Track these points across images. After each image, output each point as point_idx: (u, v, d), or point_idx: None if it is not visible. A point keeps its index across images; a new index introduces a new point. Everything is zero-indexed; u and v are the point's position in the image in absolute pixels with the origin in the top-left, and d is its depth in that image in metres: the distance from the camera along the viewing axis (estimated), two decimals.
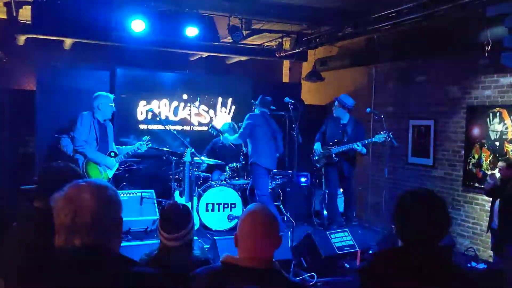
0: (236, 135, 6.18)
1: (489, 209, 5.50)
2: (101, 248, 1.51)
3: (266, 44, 8.09)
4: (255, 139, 5.94)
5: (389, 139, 5.80)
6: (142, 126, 7.35)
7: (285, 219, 6.38)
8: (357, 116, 6.61)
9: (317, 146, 6.29)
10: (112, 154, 5.54)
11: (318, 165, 6.31)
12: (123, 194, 5.47)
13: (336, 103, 6.22)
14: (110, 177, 5.55)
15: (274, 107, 6.40)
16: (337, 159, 6.03)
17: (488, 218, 5.54)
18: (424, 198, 1.95)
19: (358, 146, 5.86)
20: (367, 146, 6.05)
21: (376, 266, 1.92)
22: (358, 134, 6.15)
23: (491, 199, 5.49)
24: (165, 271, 2.33)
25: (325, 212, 6.62)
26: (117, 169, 5.66)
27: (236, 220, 5.63)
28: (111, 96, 5.76)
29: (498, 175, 5.45)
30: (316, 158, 6.26)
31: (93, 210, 1.51)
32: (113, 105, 5.72)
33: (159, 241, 2.54)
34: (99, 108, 5.55)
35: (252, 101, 6.46)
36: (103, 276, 1.47)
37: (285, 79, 9.86)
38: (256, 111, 6.23)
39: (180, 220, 2.50)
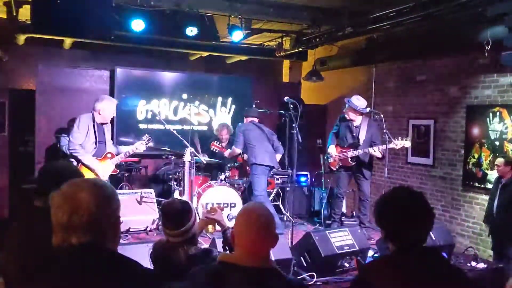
0: (232, 147, 6.19)
1: None
2: (98, 247, 1.50)
3: (266, 43, 8.09)
4: (250, 143, 5.96)
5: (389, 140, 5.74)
6: (142, 126, 7.36)
7: (285, 218, 6.38)
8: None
9: (332, 149, 6.05)
10: (109, 155, 5.46)
11: (334, 168, 6.12)
12: (123, 194, 5.46)
13: (346, 105, 6.03)
14: (106, 179, 5.46)
15: (268, 110, 6.40)
16: (354, 162, 5.89)
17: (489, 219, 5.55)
18: (404, 197, 1.93)
19: (374, 151, 5.71)
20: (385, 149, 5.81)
21: (373, 276, 1.87)
22: (373, 136, 5.93)
23: (492, 199, 5.49)
24: (168, 266, 2.34)
25: (326, 212, 6.60)
26: (114, 171, 5.56)
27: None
28: (115, 101, 5.65)
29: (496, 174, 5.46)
30: (332, 160, 6.08)
31: (90, 209, 1.49)
32: (115, 111, 5.61)
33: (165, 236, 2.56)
34: (100, 113, 5.41)
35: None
36: (100, 276, 1.45)
37: (285, 78, 9.87)
38: (244, 122, 6.29)
39: (179, 217, 2.51)
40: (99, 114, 5.35)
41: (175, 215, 2.52)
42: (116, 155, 5.50)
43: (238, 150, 6.06)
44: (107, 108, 5.39)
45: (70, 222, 1.47)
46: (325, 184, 6.96)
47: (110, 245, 1.56)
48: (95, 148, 5.35)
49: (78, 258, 1.47)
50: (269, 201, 6.09)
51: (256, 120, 6.19)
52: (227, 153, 6.27)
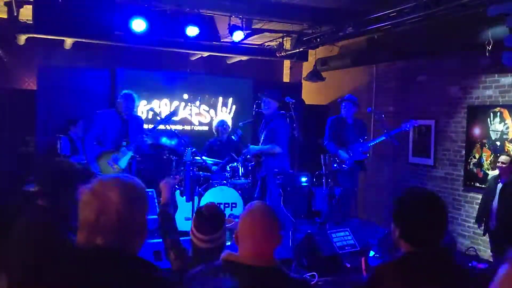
0: (268, 146, 5.62)
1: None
2: (123, 250, 1.42)
3: (266, 43, 8.08)
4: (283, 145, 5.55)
5: (390, 139, 5.75)
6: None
7: (286, 218, 6.36)
8: (358, 116, 6.60)
9: (343, 153, 5.96)
10: (124, 143, 5.41)
11: (345, 166, 6.05)
12: None
13: (346, 103, 6.05)
14: (122, 168, 5.39)
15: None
16: (366, 155, 6.00)
17: (484, 219, 5.54)
18: (426, 198, 1.93)
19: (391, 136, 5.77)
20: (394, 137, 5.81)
21: (385, 278, 1.87)
22: (364, 129, 6.19)
23: (490, 199, 5.49)
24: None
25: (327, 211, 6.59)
26: (132, 157, 5.49)
27: (237, 220, 5.57)
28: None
29: (496, 172, 5.44)
30: (347, 164, 6.01)
31: (119, 210, 1.42)
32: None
33: (190, 240, 2.47)
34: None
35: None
36: (122, 279, 1.39)
37: (286, 79, 9.86)
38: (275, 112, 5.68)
39: (217, 222, 2.47)
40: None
41: (214, 219, 2.47)
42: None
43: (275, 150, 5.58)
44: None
45: (97, 221, 1.40)
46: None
47: (134, 248, 1.48)
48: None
49: (101, 259, 1.40)
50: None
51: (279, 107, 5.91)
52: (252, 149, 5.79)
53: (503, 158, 5.32)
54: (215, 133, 7.05)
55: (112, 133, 5.45)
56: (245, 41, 7.17)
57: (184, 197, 5.73)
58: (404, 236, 1.88)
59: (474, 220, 6.19)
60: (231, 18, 6.28)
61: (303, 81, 8.96)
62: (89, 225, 1.42)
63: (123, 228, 1.42)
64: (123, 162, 5.42)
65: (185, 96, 7.67)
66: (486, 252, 5.81)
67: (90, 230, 1.41)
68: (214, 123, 7.19)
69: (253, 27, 6.89)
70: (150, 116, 7.33)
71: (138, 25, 5.86)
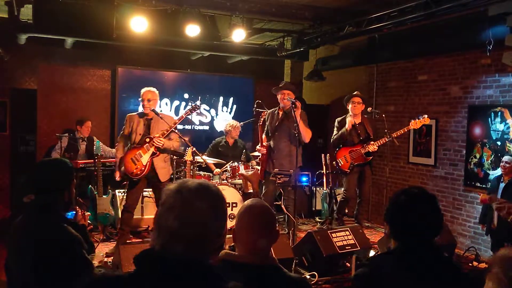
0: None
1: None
2: (200, 260, 1.37)
3: (267, 43, 8.08)
4: None
5: (390, 138, 5.70)
6: None
7: (286, 218, 6.36)
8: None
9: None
10: (148, 140, 5.26)
11: (347, 170, 5.93)
12: (124, 194, 5.46)
13: (354, 100, 5.92)
14: (144, 164, 5.07)
15: (269, 110, 6.18)
16: (370, 157, 5.84)
17: (486, 219, 5.53)
18: (418, 196, 1.94)
19: (386, 141, 5.70)
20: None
21: (373, 271, 1.88)
22: (373, 127, 5.98)
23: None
24: None
25: (327, 211, 6.59)
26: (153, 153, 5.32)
27: None
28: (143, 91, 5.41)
29: (498, 171, 5.43)
30: (343, 163, 5.92)
31: (206, 221, 1.37)
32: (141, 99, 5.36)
33: None
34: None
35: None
36: None
37: (287, 78, 9.84)
38: None
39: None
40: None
41: None
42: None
43: None
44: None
45: (179, 229, 1.33)
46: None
47: (208, 258, 1.42)
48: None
49: (181, 271, 1.33)
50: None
51: None
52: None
53: (506, 158, 5.32)
54: (225, 133, 6.87)
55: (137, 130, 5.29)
56: (245, 41, 7.16)
57: None
58: (394, 234, 1.91)
59: (474, 220, 6.20)
60: (232, 17, 6.28)
61: (303, 81, 8.96)
62: (170, 231, 1.34)
63: (205, 238, 1.37)
64: (145, 159, 5.22)
65: (186, 95, 7.68)
66: (487, 252, 5.81)
67: (170, 237, 1.34)
68: (226, 123, 7.00)
69: (253, 26, 6.88)
70: None
71: (139, 24, 5.86)
